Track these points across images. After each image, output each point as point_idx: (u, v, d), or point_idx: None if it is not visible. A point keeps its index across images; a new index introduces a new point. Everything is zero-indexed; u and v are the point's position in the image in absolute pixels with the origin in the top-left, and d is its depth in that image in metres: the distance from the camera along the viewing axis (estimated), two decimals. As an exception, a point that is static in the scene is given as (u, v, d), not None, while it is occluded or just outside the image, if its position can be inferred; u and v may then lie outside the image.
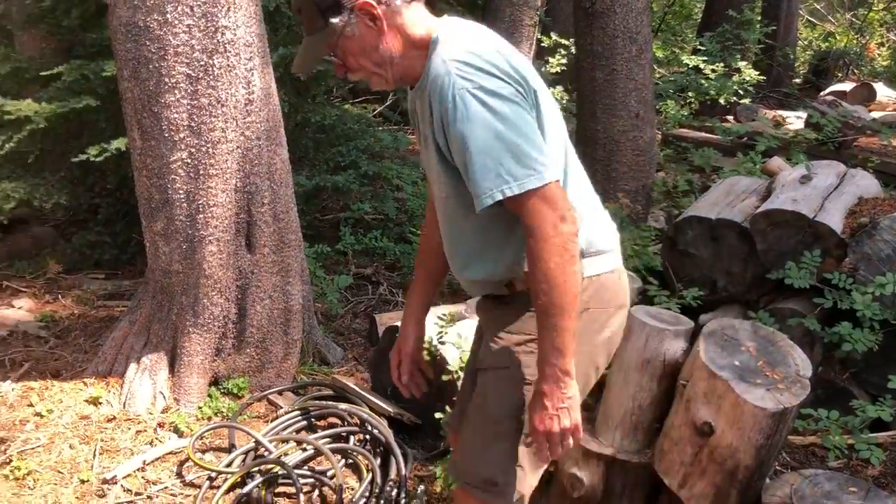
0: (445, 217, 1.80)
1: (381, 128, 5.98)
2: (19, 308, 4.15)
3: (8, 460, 2.97)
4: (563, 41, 7.24)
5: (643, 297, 3.04)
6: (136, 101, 3.02)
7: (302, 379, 3.59)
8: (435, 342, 2.65)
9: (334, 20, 1.65)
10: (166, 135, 3.02)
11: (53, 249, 4.70)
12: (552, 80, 7.22)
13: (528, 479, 1.85)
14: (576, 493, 2.58)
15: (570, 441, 1.68)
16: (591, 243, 1.79)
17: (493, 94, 1.57)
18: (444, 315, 2.65)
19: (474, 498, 1.84)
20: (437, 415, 2.68)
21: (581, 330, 1.70)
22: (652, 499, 2.66)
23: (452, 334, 2.63)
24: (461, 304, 3.62)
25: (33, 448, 3.06)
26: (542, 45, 7.90)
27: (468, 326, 3.05)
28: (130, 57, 2.97)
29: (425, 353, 2.55)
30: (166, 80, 2.96)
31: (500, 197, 1.56)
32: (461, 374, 2.62)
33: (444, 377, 2.79)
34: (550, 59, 7.38)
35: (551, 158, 1.62)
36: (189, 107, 3.01)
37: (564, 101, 6.89)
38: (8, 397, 3.36)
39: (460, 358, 2.66)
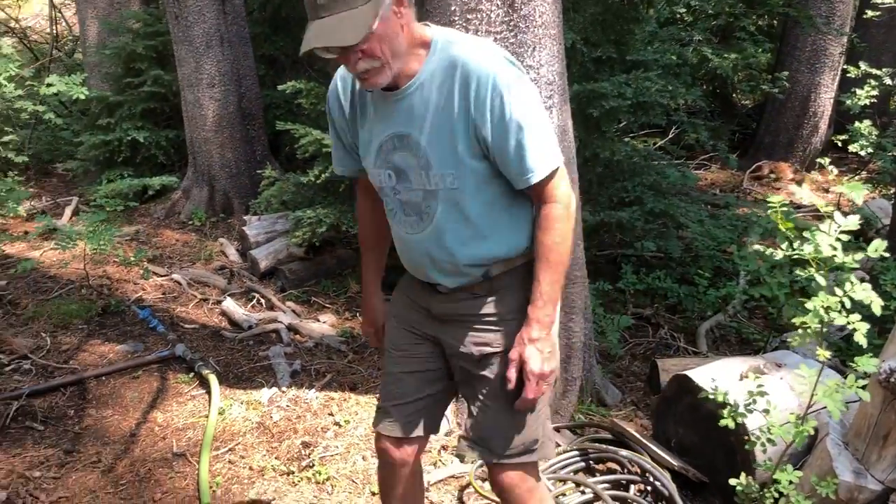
0: (447, 206, 1.89)
1: (663, 162, 5.81)
2: (324, 322, 4.56)
3: (311, 464, 3.25)
4: (875, 71, 6.56)
5: None
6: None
7: (579, 418, 3.55)
8: (741, 409, 2.46)
9: None
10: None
11: (354, 271, 5.11)
12: (859, 114, 6.57)
13: (548, 421, 2.11)
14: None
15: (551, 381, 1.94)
16: None
17: (530, 87, 1.83)
18: (747, 374, 2.45)
19: (517, 465, 2.06)
20: (733, 481, 2.49)
21: None
22: None
23: (762, 402, 2.42)
24: (744, 357, 3.37)
25: (332, 455, 3.32)
26: (848, 75, 7.23)
27: (773, 386, 2.82)
28: (440, 97, 3.15)
29: (728, 419, 2.40)
30: (472, 118, 3.09)
31: (548, 172, 1.83)
32: (766, 444, 2.40)
33: (748, 447, 2.58)
34: (857, 91, 6.72)
35: None
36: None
37: (874, 136, 6.22)
38: (312, 404, 3.69)
39: (761, 429, 2.44)
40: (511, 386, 1.93)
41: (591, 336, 3.79)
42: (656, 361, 3.85)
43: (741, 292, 4.31)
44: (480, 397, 2.04)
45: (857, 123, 6.30)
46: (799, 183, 7.66)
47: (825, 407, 2.71)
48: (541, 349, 1.89)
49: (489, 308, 2.00)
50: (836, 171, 2.33)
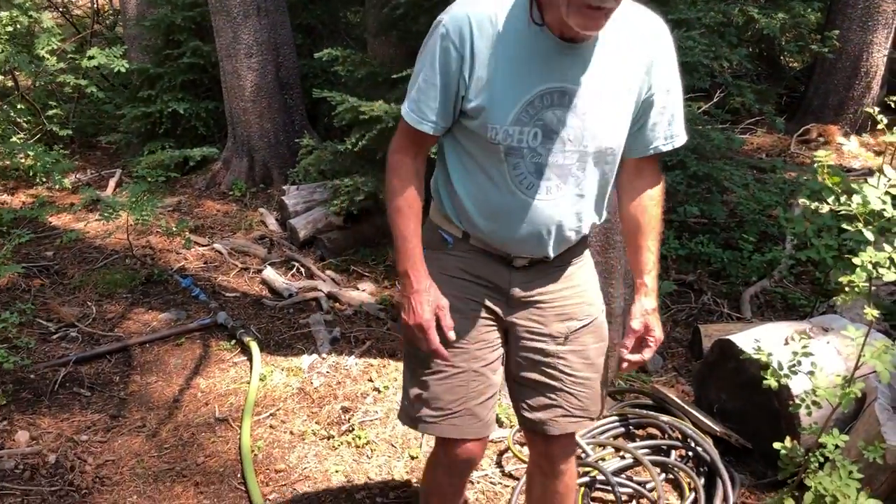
0: (597, 170, 1.84)
1: (707, 126, 5.66)
2: (363, 290, 4.57)
3: (351, 428, 3.27)
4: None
5: None
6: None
7: (620, 385, 3.51)
8: (786, 370, 2.40)
9: None
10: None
11: (392, 240, 5.10)
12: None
13: None
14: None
15: None
16: None
17: None
18: (794, 337, 2.39)
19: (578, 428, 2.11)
20: (777, 445, 2.44)
21: None
22: None
23: (806, 364, 2.36)
24: (790, 322, 3.29)
25: (371, 420, 3.34)
26: (903, 32, 6.96)
27: (819, 349, 2.75)
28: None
29: (770, 379, 2.34)
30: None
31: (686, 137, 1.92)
32: (811, 407, 2.34)
33: (793, 410, 2.52)
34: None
35: None
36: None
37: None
38: (352, 371, 3.71)
39: (806, 392, 2.38)
40: (636, 358, 1.98)
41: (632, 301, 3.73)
42: (698, 327, 3.78)
43: (787, 257, 4.20)
44: (568, 371, 2.00)
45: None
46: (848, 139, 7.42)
47: (874, 371, 2.64)
48: (658, 317, 1.97)
49: (572, 280, 1.98)
50: (885, 120, 2.22)
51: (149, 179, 5.20)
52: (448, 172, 1.88)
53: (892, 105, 6.80)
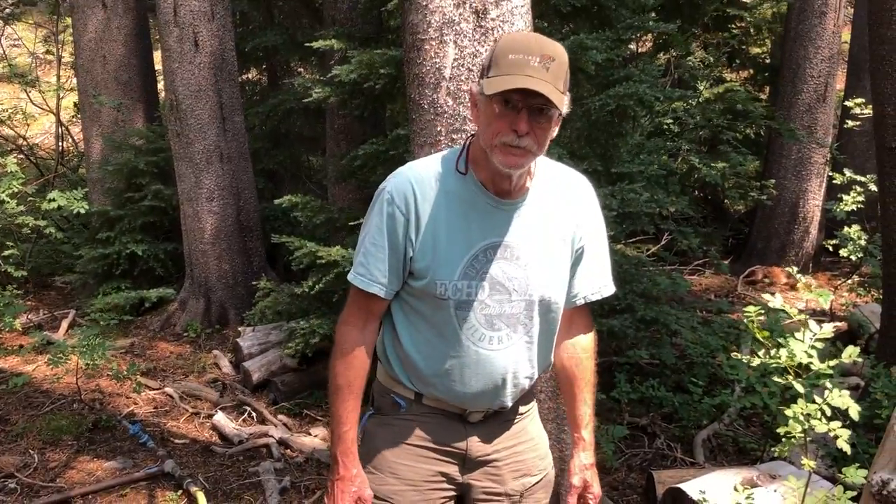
0: (543, 319, 1.89)
1: (654, 269, 5.86)
2: (315, 436, 4.50)
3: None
4: (859, 178, 6.71)
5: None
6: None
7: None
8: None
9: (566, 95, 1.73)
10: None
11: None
12: (849, 219, 6.68)
13: None
14: None
15: None
16: None
17: None
18: (738, 487, 2.42)
19: None
20: None
21: None
22: None
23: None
24: (739, 468, 3.32)
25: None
26: (834, 181, 7.39)
27: (766, 498, 2.77)
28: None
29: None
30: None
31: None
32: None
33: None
34: (844, 197, 6.85)
35: None
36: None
37: (862, 241, 6.29)
38: (301, 523, 3.60)
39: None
40: None
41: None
42: (652, 473, 3.78)
43: (736, 401, 4.27)
44: None
45: (845, 228, 6.39)
46: (793, 287, 7.70)
47: (821, 521, 2.66)
48: (595, 472, 2.00)
49: (526, 433, 2.01)
50: (802, 278, 2.35)
51: (100, 322, 5.16)
52: (396, 334, 1.91)
53: (830, 248, 7.13)
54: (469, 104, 1.89)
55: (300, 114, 7.24)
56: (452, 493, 1.97)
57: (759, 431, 4.45)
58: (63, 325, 6.35)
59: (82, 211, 6.18)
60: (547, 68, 1.63)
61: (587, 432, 1.99)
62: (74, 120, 10.59)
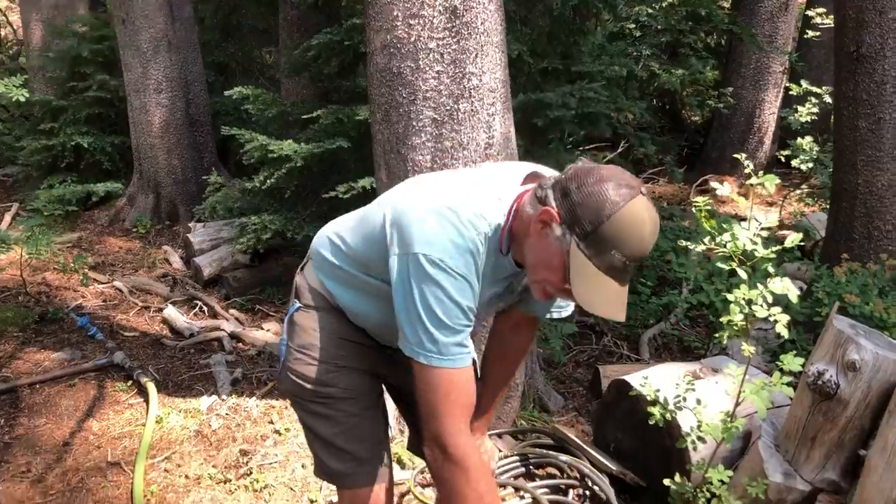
0: None
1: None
2: (267, 330, 4.50)
3: (249, 472, 3.19)
4: (815, 89, 6.75)
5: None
6: (386, 143, 3.19)
7: (521, 424, 3.55)
8: (671, 406, 2.49)
9: None
10: (410, 174, 3.15)
11: (300, 278, 5.06)
12: (802, 130, 6.75)
13: None
14: (822, 587, 2.30)
15: None
16: None
17: None
18: (683, 377, 2.48)
19: None
20: (667, 481, 2.52)
21: None
22: None
23: (691, 400, 2.46)
24: (683, 363, 3.42)
25: (270, 464, 3.27)
26: (791, 92, 7.42)
27: (707, 389, 2.86)
28: (384, 101, 3.14)
29: (657, 415, 2.42)
30: (414, 123, 3.10)
31: None
32: (696, 442, 2.44)
33: (678, 445, 2.61)
34: (799, 108, 6.90)
35: None
36: (433, 149, 3.12)
37: (815, 152, 6.38)
38: (252, 412, 3.63)
39: (692, 427, 2.48)
40: None
41: (534, 342, 3.80)
42: (598, 368, 3.88)
43: (683, 301, 4.37)
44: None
45: (798, 139, 6.46)
46: (744, 196, 7.81)
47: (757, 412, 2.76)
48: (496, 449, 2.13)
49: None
50: (751, 165, 2.35)
51: (45, 213, 5.02)
52: (358, 300, 1.88)
53: (783, 159, 7.22)
54: (539, 214, 1.59)
55: (252, 4, 6.95)
56: (381, 364, 2.00)
57: (704, 331, 4.58)
58: (6, 217, 6.17)
59: (22, 99, 5.93)
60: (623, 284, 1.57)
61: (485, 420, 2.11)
62: (12, 6, 10.03)
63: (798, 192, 7.64)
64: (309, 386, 1.91)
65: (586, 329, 4.59)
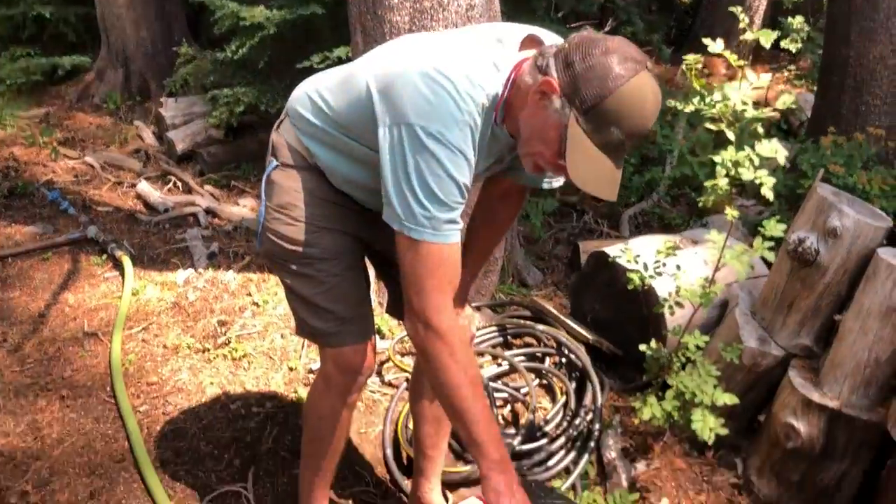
0: None
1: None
2: (243, 206, 4.43)
3: (227, 341, 3.19)
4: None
5: (892, 240, 2.66)
6: (361, 3, 3.03)
7: (500, 297, 3.55)
8: (651, 272, 2.48)
9: None
10: (387, 37, 3.01)
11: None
12: (794, 8, 6.57)
13: None
14: (790, 444, 2.36)
15: None
16: None
17: None
18: (662, 248, 2.45)
19: None
20: (643, 347, 2.53)
21: None
22: (878, 461, 2.37)
23: (671, 265, 2.44)
24: (663, 235, 3.40)
25: (249, 334, 3.27)
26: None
27: (687, 258, 2.85)
28: (358, -42, 2.97)
29: (635, 280, 2.40)
30: (392, -18, 2.94)
31: None
32: (674, 307, 2.44)
33: (655, 310, 2.62)
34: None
35: None
36: (411, 10, 2.97)
37: (807, 30, 6.21)
38: (230, 285, 3.61)
39: (670, 293, 2.48)
40: None
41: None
42: (578, 244, 3.87)
43: (666, 178, 4.32)
44: None
45: (789, 18, 6.28)
46: (731, 78, 7.67)
47: (736, 281, 2.76)
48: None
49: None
50: (746, 19, 2.26)
51: (7, 82, 4.82)
52: (339, 161, 1.80)
53: (768, 46, 7.04)
54: (539, 84, 1.50)
55: None
56: (362, 226, 1.92)
57: (686, 210, 4.56)
58: (-32, 90, 5.94)
59: (-23, -36, 5.61)
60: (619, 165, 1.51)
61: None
62: None
63: (786, 73, 7.51)
64: (288, 246, 1.86)
65: (567, 207, 4.55)
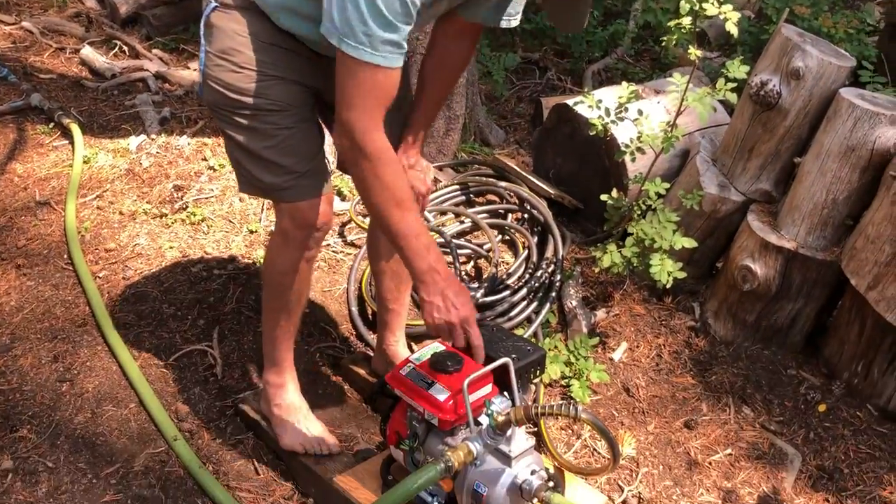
0: None
1: None
2: (194, 70, 4.25)
3: (185, 206, 3.13)
4: None
5: (854, 82, 2.64)
6: None
7: (462, 157, 3.51)
8: (612, 117, 2.43)
9: None
10: None
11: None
12: None
13: None
14: (746, 286, 2.41)
15: None
16: None
17: None
18: (624, 94, 2.39)
19: None
20: (603, 196, 2.53)
21: None
22: (832, 300, 2.45)
23: (633, 111, 2.40)
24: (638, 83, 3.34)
25: (207, 198, 3.20)
26: None
27: (649, 106, 2.81)
28: None
29: (598, 125, 2.37)
30: None
31: None
32: (635, 153, 2.42)
33: (616, 157, 2.60)
34: None
35: None
36: None
37: None
38: (185, 150, 3.50)
39: (632, 139, 2.45)
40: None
41: (476, 75, 3.67)
42: (540, 100, 3.79)
43: (630, 30, 4.21)
44: None
45: None
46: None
47: (698, 129, 2.74)
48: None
49: None
50: None
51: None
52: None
53: None
54: None
55: None
56: (313, 75, 1.83)
57: (650, 65, 4.47)
58: None
59: None
60: None
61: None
62: None
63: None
64: (233, 95, 1.76)
65: (530, 64, 4.44)
